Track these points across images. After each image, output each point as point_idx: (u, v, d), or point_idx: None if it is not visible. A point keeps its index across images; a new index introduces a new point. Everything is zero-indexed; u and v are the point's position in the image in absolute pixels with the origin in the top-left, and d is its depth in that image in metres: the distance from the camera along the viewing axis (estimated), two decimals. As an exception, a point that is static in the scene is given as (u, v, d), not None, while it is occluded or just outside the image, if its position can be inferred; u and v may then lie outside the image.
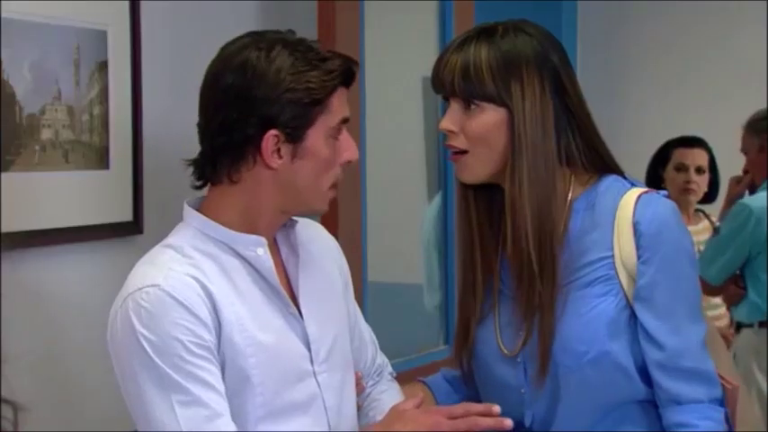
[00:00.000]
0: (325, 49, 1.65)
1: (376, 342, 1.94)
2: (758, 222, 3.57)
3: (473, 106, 1.70)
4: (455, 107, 1.72)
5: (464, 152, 1.73)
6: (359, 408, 1.84)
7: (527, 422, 1.75)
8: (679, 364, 1.70)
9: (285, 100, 1.59)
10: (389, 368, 1.95)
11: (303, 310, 1.69)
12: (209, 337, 1.56)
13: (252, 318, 1.62)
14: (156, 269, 1.60)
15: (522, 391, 1.74)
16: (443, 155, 3.21)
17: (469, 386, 1.88)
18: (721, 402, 1.74)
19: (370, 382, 1.90)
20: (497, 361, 1.76)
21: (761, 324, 3.68)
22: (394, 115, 3.19)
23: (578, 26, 4.72)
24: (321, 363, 1.69)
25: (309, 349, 1.68)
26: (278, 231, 1.72)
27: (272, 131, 1.59)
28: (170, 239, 1.67)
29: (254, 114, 1.59)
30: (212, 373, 1.56)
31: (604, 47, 4.75)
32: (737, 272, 3.72)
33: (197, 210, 1.68)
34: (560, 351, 1.69)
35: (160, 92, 2.44)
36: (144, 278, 1.58)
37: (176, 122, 2.45)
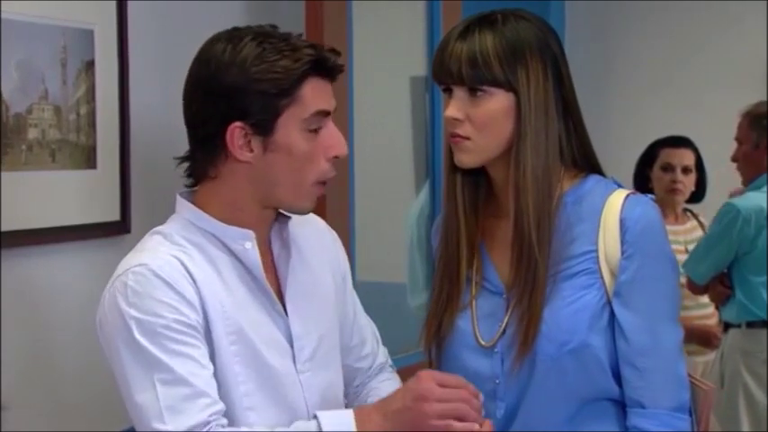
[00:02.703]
0: (306, 41, 1.61)
1: (378, 338, 1.91)
2: (745, 222, 3.58)
3: (479, 93, 1.71)
4: (460, 95, 1.72)
5: (467, 138, 1.73)
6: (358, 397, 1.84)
7: (499, 413, 1.75)
8: (647, 363, 1.71)
9: (250, 90, 1.56)
10: (390, 361, 1.93)
11: (289, 308, 1.68)
12: (195, 317, 1.56)
13: (236, 309, 1.61)
14: (144, 253, 1.60)
15: (497, 381, 1.75)
16: (431, 154, 3.21)
17: None
18: (687, 409, 1.74)
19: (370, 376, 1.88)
20: (473, 351, 1.77)
21: (748, 324, 3.70)
22: (382, 115, 3.19)
23: (566, 26, 4.73)
24: (305, 362, 1.68)
25: (292, 347, 1.67)
26: (273, 227, 1.70)
27: (236, 123, 1.57)
28: (159, 228, 1.66)
29: (219, 106, 1.57)
30: (198, 350, 1.54)
31: (592, 47, 4.76)
32: (724, 271, 3.74)
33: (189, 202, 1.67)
34: (542, 339, 1.70)
35: (147, 91, 2.44)
36: (131, 261, 1.58)
37: (164, 122, 2.45)
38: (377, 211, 3.11)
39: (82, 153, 2.30)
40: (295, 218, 1.72)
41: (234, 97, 1.56)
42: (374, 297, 2.93)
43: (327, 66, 1.61)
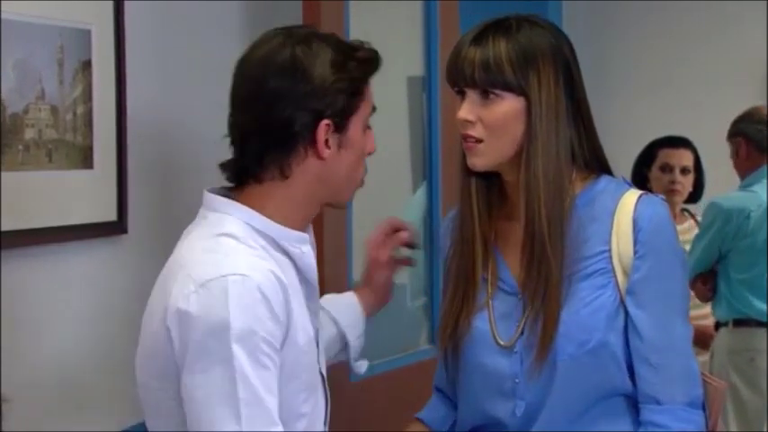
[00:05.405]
0: (357, 42, 1.70)
1: None
2: (726, 220, 3.66)
3: (492, 96, 1.74)
4: (472, 98, 1.76)
5: (479, 141, 1.77)
6: None
7: (518, 412, 1.77)
8: (660, 360, 1.74)
9: (334, 90, 1.62)
10: None
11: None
12: (280, 337, 1.57)
13: (301, 315, 1.64)
14: (231, 258, 1.57)
15: (517, 380, 1.77)
16: (428, 154, 3.21)
17: (450, 377, 1.90)
18: (701, 405, 1.77)
19: None
20: (491, 351, 1.79)
21: (735, 323, 3.73)
22: (379, 116, 3.17)
23: (564, 27, 4.73)
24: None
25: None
26: None
27: (325, 121, 1.62)
28: (224, 229, 1.62)
29: (306, 108, 1.61)
30: (274, 376, 1.56)
31: (590, 47, 4.74)
32: (713, 270, 3.78)
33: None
34: (562, 339, 1.72)
35: (144, 91, 2.44)
36: (221, 266, 1.55)
37: (161, 122, 2.45)
38: (374, 211, 3.11)
39: (79, 153, 2.30)
40: None
41: (322, 98, 1.62)
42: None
43: (379, 66, 1.71)
